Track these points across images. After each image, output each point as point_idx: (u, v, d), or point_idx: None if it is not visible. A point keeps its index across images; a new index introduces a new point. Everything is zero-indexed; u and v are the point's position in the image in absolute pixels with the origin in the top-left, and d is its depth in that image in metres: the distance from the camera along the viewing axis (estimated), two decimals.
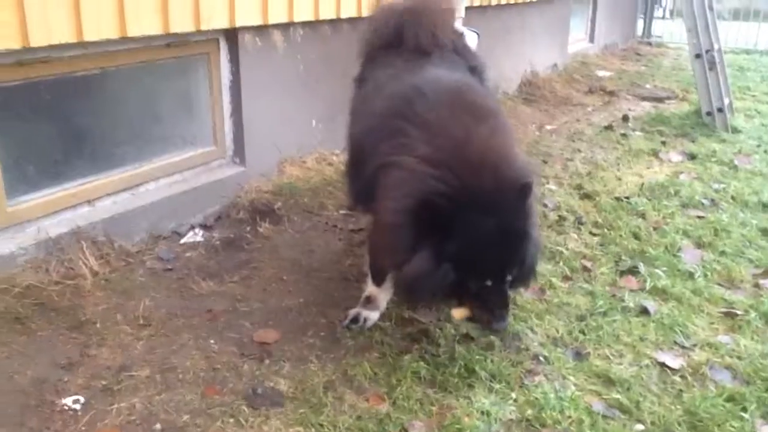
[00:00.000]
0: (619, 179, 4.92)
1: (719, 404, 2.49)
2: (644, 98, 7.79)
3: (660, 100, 7.72)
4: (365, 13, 4.62)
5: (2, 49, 2.87)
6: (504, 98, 6.96)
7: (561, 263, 3.53)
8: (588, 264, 3.56)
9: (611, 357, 2.79)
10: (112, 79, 3.56)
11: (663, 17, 14.20)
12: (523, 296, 3.16)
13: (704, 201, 4.50)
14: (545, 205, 4.27)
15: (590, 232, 3.96)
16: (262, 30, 4.21)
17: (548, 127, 6.38)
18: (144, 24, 3.39)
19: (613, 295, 3.25)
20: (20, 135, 3.21)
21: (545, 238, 3.72)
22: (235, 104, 4.21)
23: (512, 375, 2.64)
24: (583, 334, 2.94)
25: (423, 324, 2.96)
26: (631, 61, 10.34)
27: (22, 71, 3.10)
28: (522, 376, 2.65)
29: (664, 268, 3.51)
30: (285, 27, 4.37)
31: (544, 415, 2.41)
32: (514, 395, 2.52)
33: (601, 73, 9.02)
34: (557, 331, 2.95)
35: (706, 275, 3.48)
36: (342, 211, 4.13)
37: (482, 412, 2.41)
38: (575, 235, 3.88)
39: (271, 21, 4.15)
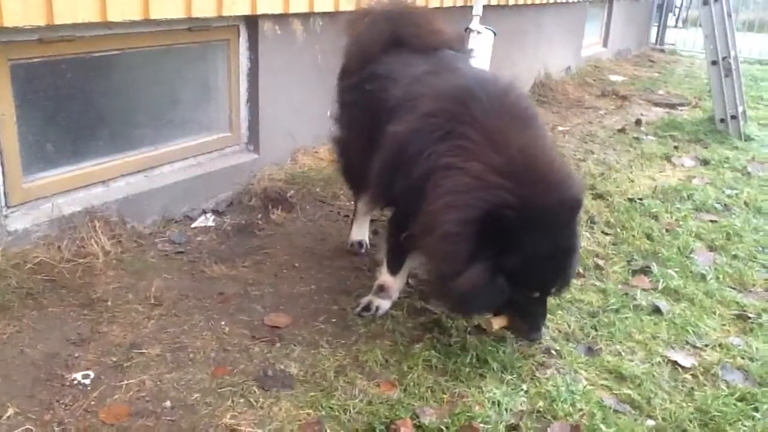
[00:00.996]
0: (632, 181, 4.91)
1: (731, 403, 2.48)
2: (657, 104, 7.78)
3: (673, 106, 7.70)
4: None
5: (27, 25, 2.87)
6: None
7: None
8: (600, 262, 3.55)
9: (623, 353, 2.78)
10: (133, 61, 3.57)
11: (676, 26, 14.20)
12: None
13: (717, 205, 4.49)
14: None
15: (603, 232, 3.95)
16: (282, 18, 4.22)
17: (560, 129, 6.37)
18: (167, 7, 3.40)
19: (626, 294, 3.25)
20: (40, 113, 3.22)
21: None
22: (252, 92, 4.22)
23: (524, 367, 2.64)
24: (595, 330, 2.93)
25: (435, 314, 2.95)
26: (644, 67, 10.33)
27: (44, 49, 3.10)
28: (533, 369, 2.64)
29: (677, 269, 3.50)
30: (305, 16, 4.38)
31: (555, 407, 2.40)
32: (525, 387, 2.52)
33: (613, 78, 9.01)
34: (569, 327, 2.94)
35: (718, 278, 3.47)
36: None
37: (493, 402, 2.41)
38: (588, 234, 3.86)
39: (292, 10, 4.16)
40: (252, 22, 4.08)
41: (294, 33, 4.38)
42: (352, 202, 3.67)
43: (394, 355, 2.67)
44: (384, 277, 3.01)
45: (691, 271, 3.50)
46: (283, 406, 2.34)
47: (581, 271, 3.42)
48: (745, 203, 4.56)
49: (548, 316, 2.96)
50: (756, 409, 2.45)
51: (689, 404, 2.49)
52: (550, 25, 7.88)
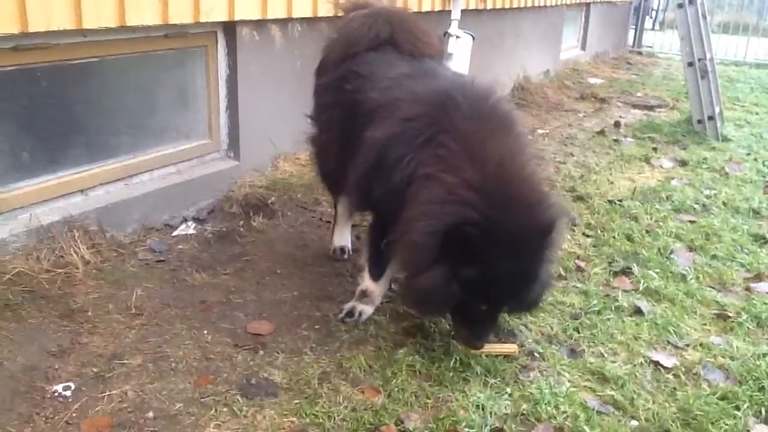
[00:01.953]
0: (612, 183, 4.94)
1: (713, 402, 2.50)
2: (635, 106, 7.85)
3: (651, 108, 7.77)
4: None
5: (1, 33, 2.84)
6: None
7: (555, 263, 3.53)
8: (582, 264, 3.57)
9: (605, 355, 2.80)
10: (110, 69, 3.54)
11: (653, 28, 14.36)
12: None
13: (696, 206, 4.53)
14: None
15: (583, 233, 3.97)
16: (260, 24, 4.20)
17: (540, 131, 6.40)
18: (144, 14, 3.37)
19: (607, 295, 3.27)
20: (15, 121, 3.18)
21: None
22: (231, 98, 4.20)
23: (507, 370, 2.64)
24: (578, 331, 2.94)
25: (418, 319, 2.95)
26: (622, 69, 10.42)
27: (19, 57, 3.07)
28: (517, 372, 2.65)
29: (657, 270, 3.53)
30: (283, 22, 4.37)
31: (539, 409, 2.41)
32: (509, 390, 2.52)
33: (592, 81, 9.08)
34: (551, 329, 2.95)
35: (698, 278, 3.50)
36: None
37: (477, 406, 2.41)
38: (568, 236, 3.88)
39: (270, 15, 4.14)
40: (230, 28, 4.07)
41: (273, 39, 4.36)
42: (332, 208, 3.67)
43: (378, 360, 2.66)
44: (366, 282, 3.00)
45: (671, 272, 3.53)
46: (267, 414, 2.33)
47: (563, 273, 3.44)
48: (724, 203, 4.61)
49: (530, 318, 3.00)
50: (737, 408, 2.48)
51: (672, 404, 2.51)
52: (528, 29, 7.93)
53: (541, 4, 8.00)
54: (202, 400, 2.39)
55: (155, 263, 3.37)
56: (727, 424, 2.38)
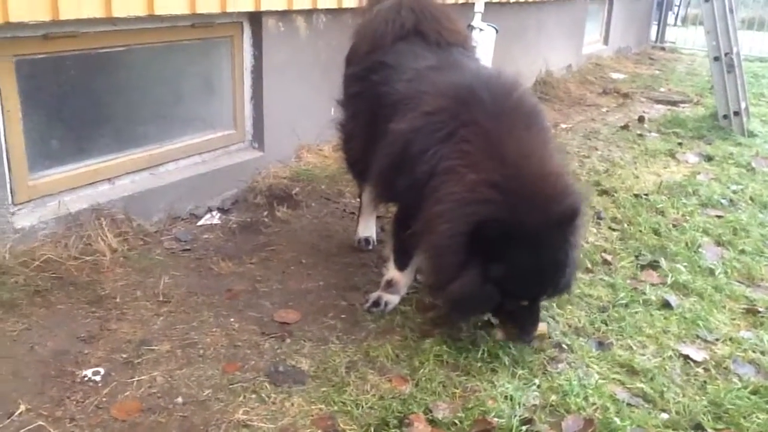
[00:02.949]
0: (637, 177, 4.90)
1: (744, 396, 2.46)
2: (659, 101, 7.78)
3: (674, 103, 7.69)
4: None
5: (32, 21, 2.86)
6: None
7: (581, 256, 3.50)
8: (608, 257, 3.54)
9: (634, 348, 2.77)
10: (137, 58, 3.56)
11: (675, 24, 14.21)
12: None
13: (723, 201, 4.48)
14: None
15: (609, 227, 3.94)
16: (285, 15, 4.20)
17: (563, 126, 6.36)
18: (171, 3, 3.38)
19: (635, 288, 3.24)
20: (45, 109, 3.20)
21: None
22: (256, 89, 4.20)
23: (535, 362, 2.63)
24: (606, 324, 2.92)
25: (443, 309, 2.94)
26: (645, 64, 10.32)
27: (49, 45, 3.09)
28: (545, 363, 2.63)
29: (685, 264, 3.50)
30: (308, 13, 4.37)
31: (568, 401, 2.39)
32: (537, 381, 2.50)
33: (615, 76, 9.00)
34: (579, 321, 2.93)
35: (726, 272, 3.46)
36: (359, 199, 4.11)
37: (506, 397, 2.39)
38: (594, 230, 3.86)
39: (296, 6, 4.15)
40: (255, 18, 4.07)
41: (297, 30, 4.36)
42: (357, 199, 3.66)
43: (405, 350, 2.65)
44: (392, 272, 2.99)
45: (699, 266, 3.49)
46: (295, 402, 2.33)
47: (590, 266, 3.42)
48: (751, 198, 4.55)
49: (558, 310, 2.98)
50: None
51: (702, 397, 2.48)
52: (551, 23, 7.87)
53: None
54: (230, 386, 2.39)
55: (181, 252, 3.39)
56: (759, 419, 2.35)
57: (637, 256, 3.58)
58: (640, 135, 6.14)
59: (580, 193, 2.61)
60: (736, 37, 6.67)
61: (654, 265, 3.48)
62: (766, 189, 4.75)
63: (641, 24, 11.70)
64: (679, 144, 5.89)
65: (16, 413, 2.18)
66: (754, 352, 2.79)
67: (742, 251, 3.73)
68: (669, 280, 3.32)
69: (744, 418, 2.36)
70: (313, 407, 2.31)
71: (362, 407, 2.31)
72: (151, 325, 2.74)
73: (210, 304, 2.93)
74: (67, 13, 2.95)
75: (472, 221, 2.40)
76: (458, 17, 3.40)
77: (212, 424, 2.21)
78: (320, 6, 4.34)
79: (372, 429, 2.22)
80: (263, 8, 3.94)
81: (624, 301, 3.10)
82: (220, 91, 4.07)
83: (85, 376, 2.40)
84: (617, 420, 2.29)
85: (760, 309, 3.12)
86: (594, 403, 2.39)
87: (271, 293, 3.06)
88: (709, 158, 5.51)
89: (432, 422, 2.26)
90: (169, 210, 3.66)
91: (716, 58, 6.34)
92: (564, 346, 2.75)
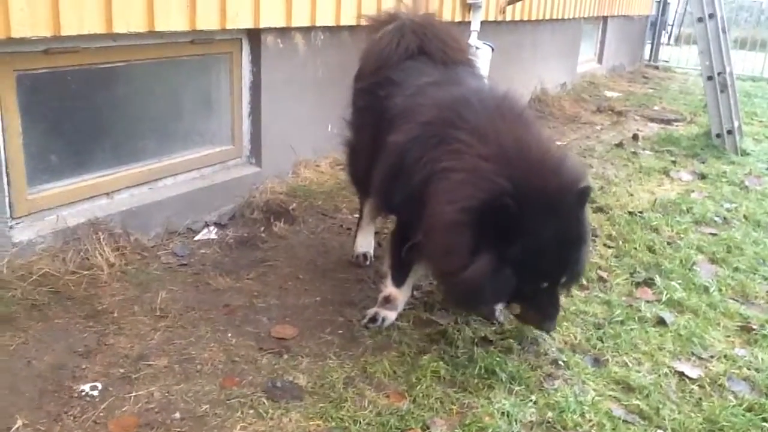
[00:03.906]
0: (631, 195, 4.94)
1: (740, 414, 2.48)
2: (652, 119, 7.84)
3: (668, 121, 7.76)
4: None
5: (34, 36, 2.88)
6: None
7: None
8: (604, 274, 3.56)
9: (629, 364, 2.79)
10: (137, 73, 3.58)
11: (669, 43, 14.35)
12: None
13: (716, 219, 4.52)
14: None
15: (604, 244, 3.97)
16: (284, 32, 4.24)
17: (558, 143, 6.40)
18: (171, 19, 3.41)
19: (630, 305, 3.26)
20: (44, 124, 3.21)
21: None
22: (254, 105, 4.23)
23: (531, 378, 2.63)
24: (601, 341, 2.93)
25: (441, 325, 2.95)
26: (639, 83, 10.42)
27: (50, 60, 3.11)
28: (541, 380, 2.64)
29: (680, 281, 3.52)
30: (307, 30, 4.41)
31: (564, 417, 2.40)
32: (533, 397, 2.51)
33: (609, 94, 9.08)
34: (575, 338, 2.95)
35: (720, 290, 3.48)
36: (357, 215, 4.13)
37: (503, 413, 2.40)
38: (590, 247, 3.88)
39: (294, 23, 4.18)
40: (255, 35, 4.10)
41: (296, 47, 4.40)
42: (356, 215, 3.68)
43: (402, 366, 2.66)
44: (389, 288, 3.00)
45: (694, 283, 3.52)
46: (292, 417, 2.33)
47: (585, 283, 3.44)
48: (744, 217, 4.59)
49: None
50: (765, 420, 2.46)
51: (698, 414, 2.50)
52: (546, 42, 7.95)
53: (559, 17, 8.02)
54: (227, 402, 2.39)
55: (178, 267, 3.39)
56: None
57: (632, 273, 3.60)
58: (635, 153, 6.19)
59: (579, 164, 2.59)
60: (729, 57, 6.75)
61: (649, 283, 3.50)
62: (760, 207, 4.80)
63: (635, 43, 11.82)
64: (673, 162, 5.95)
65: (14, 428, 2.17)
66: (748, 369, 2.82)
67: (736, 269, 3.76)
68: (664, 298, 3.34)
69: None
70: (310, 423, 2.31)
71: (360, 423, 2.32)
72: (148, 340, 2.74)
73: (207, 319, 2.93)
74: (69, 28, 2.97)
75: (479, 197, 2.31)
76: (461, 36, 3.45)
77: None
78: (318, 23, 4.37)
79: None
80: (262, 25, 3.97)
81: (619, 318, 3.11)
82: (218, 107, 4.10)
83: (82, 391, 2.40)
84: None
85: (755, 326, 3.14)
86: (590, 420, 2.40)
87: (268, 308, 3.06)
88: (702, 176, 5.56)
89: None
90: (167, 225, 3.67)
91: (710, 78, 6.42)
92: (560, 362, 2.76)
